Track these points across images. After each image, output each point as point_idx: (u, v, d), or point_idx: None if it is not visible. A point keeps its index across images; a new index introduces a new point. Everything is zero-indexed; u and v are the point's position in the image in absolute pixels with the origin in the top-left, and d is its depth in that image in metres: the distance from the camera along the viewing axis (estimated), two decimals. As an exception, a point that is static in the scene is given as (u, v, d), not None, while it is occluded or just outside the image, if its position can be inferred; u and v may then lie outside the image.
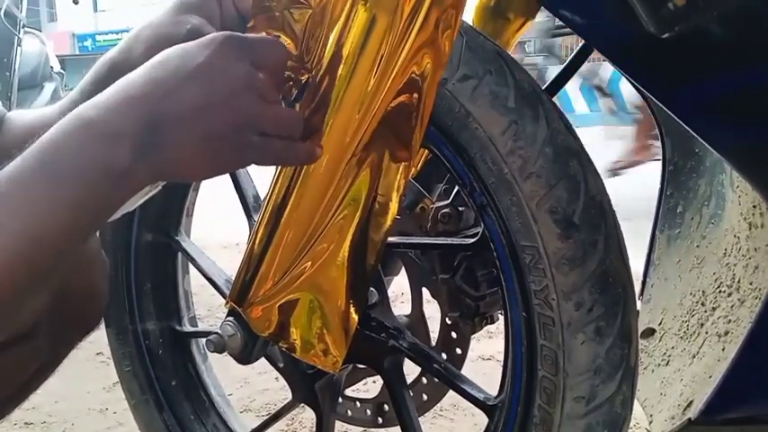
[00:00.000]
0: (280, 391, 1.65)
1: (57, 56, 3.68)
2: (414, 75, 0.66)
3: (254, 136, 0.51)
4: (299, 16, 0.65)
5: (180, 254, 1.08)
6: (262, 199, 0.80)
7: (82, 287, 0.81)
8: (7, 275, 0.44)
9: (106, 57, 0.69)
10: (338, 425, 0.99)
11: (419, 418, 0.87)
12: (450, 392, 0.92)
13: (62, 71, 3.65)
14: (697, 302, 0.91)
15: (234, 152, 0.51)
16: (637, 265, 0.80)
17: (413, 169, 0.88)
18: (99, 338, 0.94)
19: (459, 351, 0.93)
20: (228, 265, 0.98)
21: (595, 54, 0.79)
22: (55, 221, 0.45)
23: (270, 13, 0.64)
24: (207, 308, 2.09)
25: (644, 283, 1.06)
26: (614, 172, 4.04)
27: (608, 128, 5.52)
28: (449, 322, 0.92)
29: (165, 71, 0.48)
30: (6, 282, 0.44)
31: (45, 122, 0.74)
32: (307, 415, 1.50)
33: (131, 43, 0.67)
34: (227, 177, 0.98)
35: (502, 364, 0.76)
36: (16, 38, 2.99)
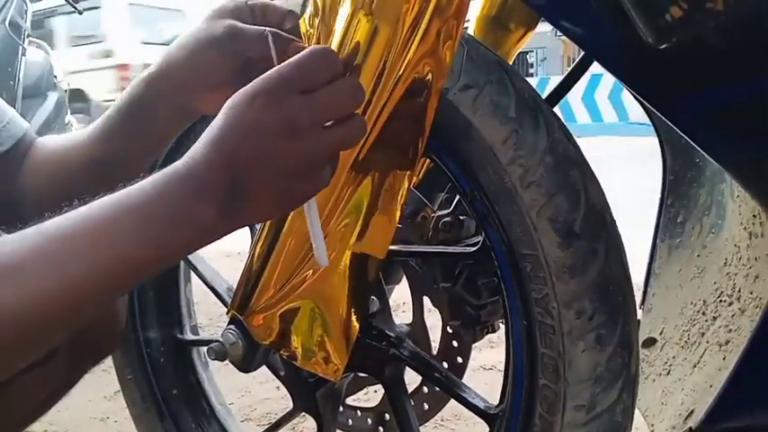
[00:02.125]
0: (280, 400, 1.64)
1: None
2: (415, 84, 0.66)
3: (324, 163, 0.52)
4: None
5: (182, 262, 1.09)
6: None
7: (101, 313, 0.82)
8: (86, 289, 0.48)
9: (143, 74, 0.71)
10: (339, 434, 0.99)
11: (420, 428, 0.87)
12: (452, 402, 0.92)
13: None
14: (698, 312, 0.91)
15: (308, 185, 0.52)
16: (637, 274, 0.81)
17: (414, 178, 0.89)
18: (101, 346, 0.94)
19: (460, 360, 0.93)
20: (230, 273, 0.98)
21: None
22: (138, 255, 0.49)
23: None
24: (208, 317, 2.08)
25: (645, 292, 1.07)
26: None
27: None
28: (450, 331, 0.93)
29: (229, 129, 0.50)
30: (85, 292, 0.48)
31: (73, 146, 0.76)
32: (308, 424, 1.50)
33: (172, 53, 0.69)
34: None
35: (503, 373, 0.76)
36: (20, 48, 3.01)
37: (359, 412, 1.05)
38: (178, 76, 0.69)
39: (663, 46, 0.52)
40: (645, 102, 0.63)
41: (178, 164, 0.50)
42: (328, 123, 0.51)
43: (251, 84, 0.50)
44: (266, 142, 0.49)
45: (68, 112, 3.65)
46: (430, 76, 0.66)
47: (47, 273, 0.46)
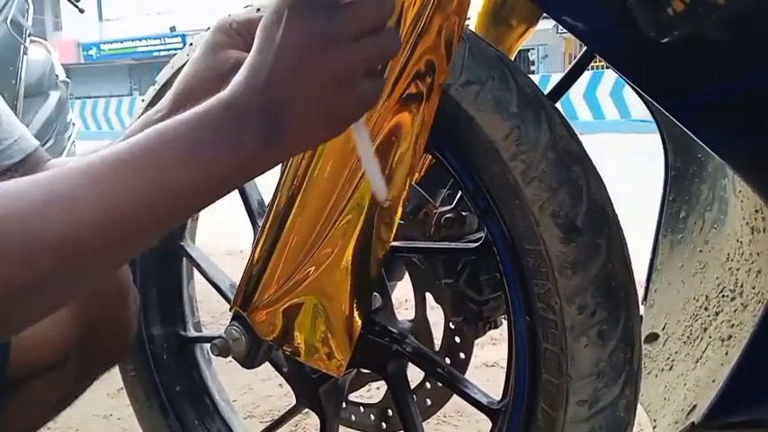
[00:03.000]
0: (283, 397, 1.65)
1: (62, 64, 3.70)
2: (417, 80, 0.66)
3: (361, 78, 0.50)
4: None
5: (185, 259, 1.09)
6: (266, 204, 0.80)
7: (112, 320, 0.82)
8: (132, 219, 0.47)
9: (151, 112, 0.71)
10: (342, 430, 0.99)
11: (423, 424, 0.87)
12: (454, 398, 0.92)
13: (67, 80, 3.66)
14: (700, 307, 0.91)
15: (348, 105, 0.51)
16: (639, 270, 0.81)
17: (416, 174, 0.89)
18: (104, 343, 0.95)
19: (462, 356, 0.93)
20: (233, 272, 0.98)
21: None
22: (185, 183, 0.48)
23: None
24: (211, 315, 2.09)
25: (647, 288, 1.07)
26: None
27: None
28: (452, 327, 0.93)
29: (262, 52, 0.49)
30: (131, 223, 0.47)
31: None
32: (310, 421, 1.50)
33: (187, 84, 0.69)
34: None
35: (505, 369, 0.77)
36: (22, 46, 3.00)
37: (362, 408, 1.05)
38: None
39: (665, 40, 0.52)
40: (647, 97, 0.63)
41: (222, 92, 0.50)
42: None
43: (276, 3, 0.50)
44: (297, 58, 0.48)
45: (70, 110, 3.65)
46: (432, 72, 0.66)
47: (93, 202, 0.45)
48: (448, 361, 0.93)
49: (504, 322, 0.92)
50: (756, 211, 0.80)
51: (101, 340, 0.79)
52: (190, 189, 0.48)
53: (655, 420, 0.90)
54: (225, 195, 0.52)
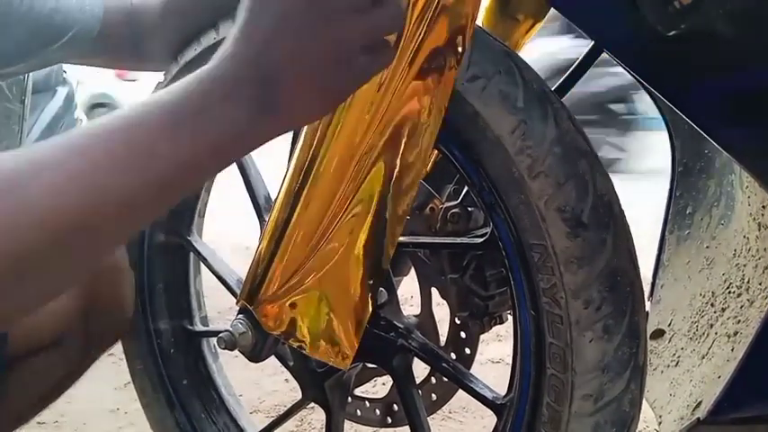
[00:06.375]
0: (289, 392, 1.65)
1: (70, 61, 3.71)
2: (426, 75, 0.66)
3: (359, 54, 0.49)
4: None
5: (192, 254, 1.10)
6: (273, 199, 0.81)
7: (109, 298, 0.83)
8: (124, 191, 0.45)
9: None
10: (347, 425, 0.99)
11: (428, 419, 0.87)
12: (460, 394, 0.93)
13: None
14: (707, 303, 0.91)
15: (344, 79, 0.50)
16: (645, 266, 0.80)
17: (423, 170, 0.89)
18: (111, 338, 0.95)
19: (468, 351, 0.94)
20: (240, 268, 0.99)
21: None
22: (171, 159, 0.46)
23: None
24: (217, 310, 2.10)
25: (653, 284, 1.06)
26: None
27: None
28: (458, 322, 0.93)
29: (253, 22, 0.48)
30: (122, 195, 0.45)
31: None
32: (316, 416, 1.51)
33: None
34: (238, 178, 0.99)
35: (510, 365, 0.77)
36: (30, 43, 3.01)
37: (367, 403, 1.06)
38: None
39: (672, 33, 0.52)
40: (653, 90, 0.63)
41: (209, 64, 0.48)
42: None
43: None
44: (295, 30, 0.46)
45: (77, 107, 3.66)
46: (441, 68, 0.66)
47: (80, 173, 0.44)
48: (453, 356, 0.93)
49: (510, 318, 0.92)
50: (764, 206, 0.80)
51: (100, 316, 0.80)
52: (174, 162, 0.46)
53: (660, 416, 0.90)
54: (223, 168, 0.50)
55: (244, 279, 0.78)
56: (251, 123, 0.48)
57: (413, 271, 0.95)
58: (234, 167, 0.78)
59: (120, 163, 0.45)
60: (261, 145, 0.50)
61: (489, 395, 0.79)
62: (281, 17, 0.47)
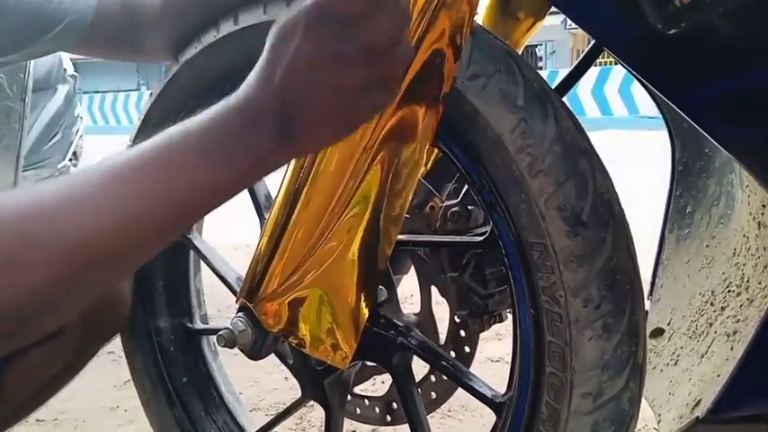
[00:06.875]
0: (289, 391, 1.65)
1: (70, 59, 3.71)
2: (426, 74, 0.66)
3: (374, 87, 0.51)
4: None
5: (192, 252, 1.10)
6: (273, 197, 0.81)
7: (107, 292, 0.83)
8: (155, 219, 0.50)
9: None
10: (347, 423, 0.99)
11: (428, 417, 0.87)
12: (459, 392, 0.93)
13: (75, 74, 3.67)
14: (706, 302, 0.91)
15: (359, 111, 0.52)
16: (645, 265, 0.80)
17: (423, 169, 0.89)
18: (111, 335, 0.95)
19: (467, 349, 0.94)
20: (240, 265, 0.99)
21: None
22: (202, 181, 0.50)
23: None
24: (217, 308, 2.10)
25: (653, 282, 1.06)
26: None
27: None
28: (457, 320, 0.93)
29: (272, 61, 0.51)
30: (152, 229, 0.50)
31: None
32: (315, 414, 1.51)
33: None
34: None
35: (510, 363, 0.77)
36: (31, 40, 3.01)
37: (366, 401, 1.06)
38: None
39: (672, 32, 0.52)
40: (654, 89, 0.63)
41: (236, 95, 0.52)
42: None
43: (292, 15, 0.50)
44: (311, 70, 0.49)
45: (78, 105, 3.66)
46: (441, 65, 0.66)
47: (106, 212, 0.48)
48: (453, 354, 0.93)
49: (509, 317, 0.92)
50: (763, 206, 0.80)
51: (98, 310, 0.80)
52: (209, 186, 0.50)
53: (659, 415, 0.90)
54: (238, 193, 0.53)
55: (243, 277, 0.78)
56: (274, 150, 0.51)
57: (413, 269, 0.96)
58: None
59: (158, 195, 0.49)
60: (277, 169, 0.54)
61: (489, 393, 0.79)
62: (301, 59, 0.50)
